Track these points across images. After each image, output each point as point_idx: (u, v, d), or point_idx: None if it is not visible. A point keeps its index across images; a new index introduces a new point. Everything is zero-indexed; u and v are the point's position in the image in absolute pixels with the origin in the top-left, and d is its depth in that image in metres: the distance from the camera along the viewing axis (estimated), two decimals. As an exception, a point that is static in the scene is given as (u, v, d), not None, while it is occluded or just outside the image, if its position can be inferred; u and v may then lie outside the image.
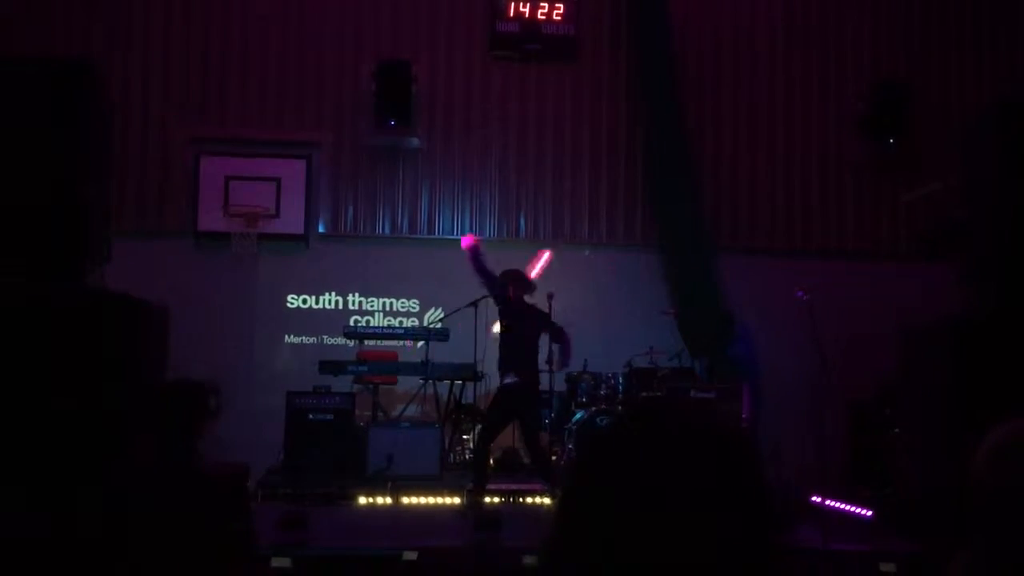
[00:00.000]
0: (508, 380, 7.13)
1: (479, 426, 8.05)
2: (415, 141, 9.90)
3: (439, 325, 9.30)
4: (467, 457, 8.70)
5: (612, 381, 8.65)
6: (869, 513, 7.06)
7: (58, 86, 5.33)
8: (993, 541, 1.75)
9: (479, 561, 5.27)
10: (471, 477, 7.18)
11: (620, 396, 8.58)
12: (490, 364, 8.44)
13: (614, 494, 1.07)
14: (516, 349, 7.19)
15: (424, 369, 8.75)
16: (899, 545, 5.87)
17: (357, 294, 10.00)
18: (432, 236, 9.99)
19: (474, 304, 8.54)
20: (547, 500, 7.42)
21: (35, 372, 4.94)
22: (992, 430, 1.82)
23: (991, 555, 1.75)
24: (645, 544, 1.03)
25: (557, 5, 9.93)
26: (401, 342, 9.45)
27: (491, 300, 8.18)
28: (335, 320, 9.73)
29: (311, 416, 8.25)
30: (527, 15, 9.93)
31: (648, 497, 1.05)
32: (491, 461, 8.26)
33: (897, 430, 7.44)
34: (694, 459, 1.08)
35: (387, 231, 9.97)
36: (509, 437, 8.84)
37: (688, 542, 1.03)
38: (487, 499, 7.47)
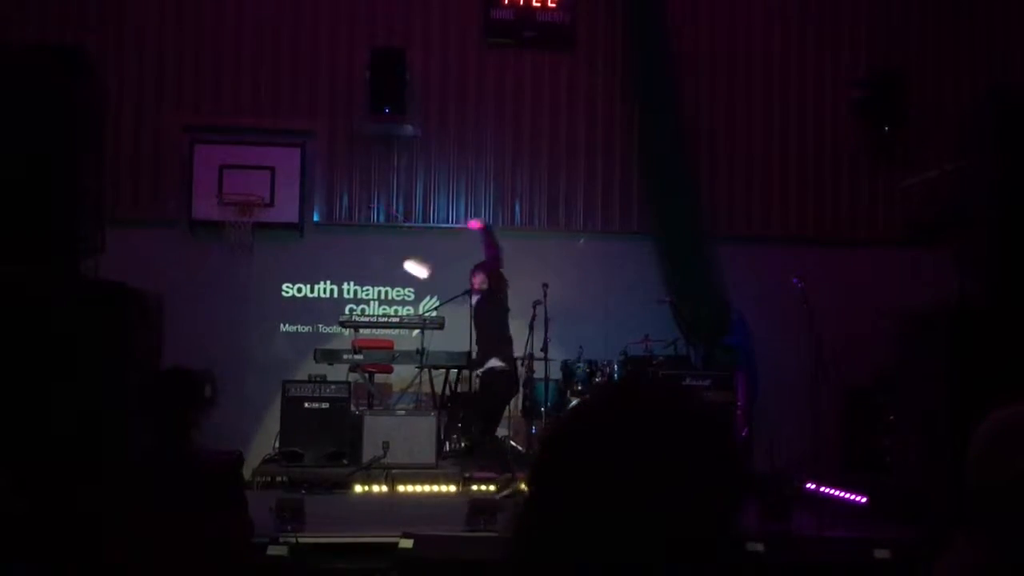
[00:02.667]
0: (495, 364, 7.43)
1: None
2: (410, 129, 9.87)
3: (434, 314, 9.29)
4: (462, 445, 8.70)
5: (607, 369, 8.66)
6: (864, 499, 7.08)
7: (51, 73, 5.31)
8: (990, 528, 1.76)
9: (474, 548, 5.27)
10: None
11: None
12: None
13: (583, 467, 1.08)
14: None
15: (420, 358, 8.75)
16: (893, 531, 5.89)
17: (352, 283, 9.99)
18: (427, 224, 9.97)
19: (469, 292, 8.54)
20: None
21: (29, 361, 4.93)
22: (989, 416, 1.82)
23: (990, 541, 1.75)
24: (615, 517, 1.04)
25: (552, -8, 9.90)
26: (397, 330, 9.44)
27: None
28: (330, 309, 9.73)
29: (307, 404, 8.25)
30: (522, 2, 9.89)
31: (617, 470, 1.06)
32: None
33: (893, 417, 7.46)
34: (661, 432, 1.09)
35: (382, 219, 9.95)
36: (504, 426, 8.86)
37: (657, 515, 1.04)
38: (483, 487, 7.50)
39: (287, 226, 9.71)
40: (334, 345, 9.17)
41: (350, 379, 8.74)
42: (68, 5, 9.54)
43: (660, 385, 1.24)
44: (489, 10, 9.88)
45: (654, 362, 8.64)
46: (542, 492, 1.12)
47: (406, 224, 9.90)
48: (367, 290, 9.99)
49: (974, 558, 1.76)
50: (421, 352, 8.72)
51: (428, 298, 9.85)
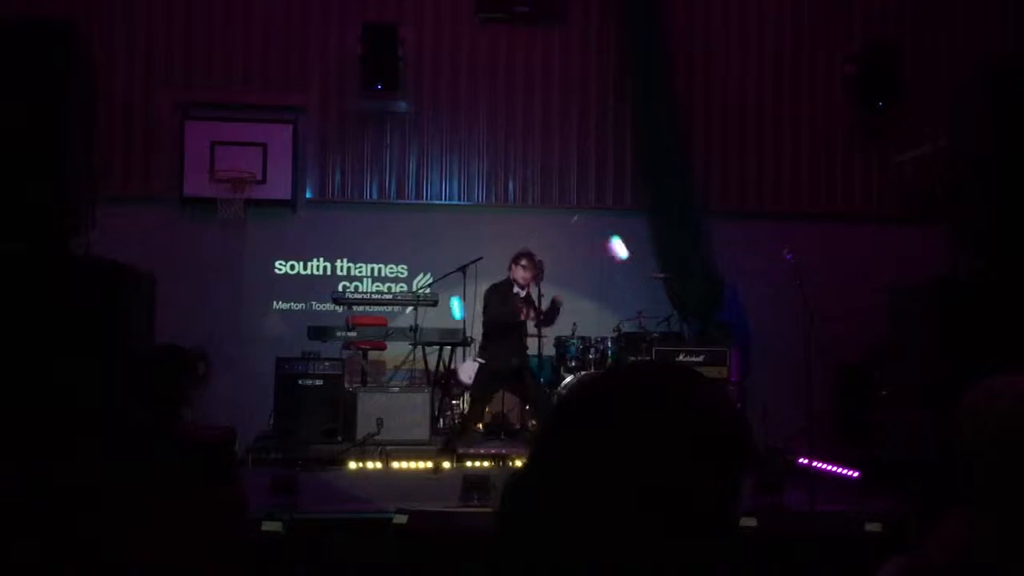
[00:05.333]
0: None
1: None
2: (402, 105, 9.82)
3: (428, 291, 9.29)
4: (456, 422, 8.73)
5: (601, 345, 8.67)
6: (856, 474, 7.13)
7: (40, 48, 5.26)
8: (975, 496, 1.77)
9: (468, 523, 5.30)
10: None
11: (609, 360, 8.61)
12: (479, 330, 8.46)
13: (584, 440, 1.09)
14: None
15: (413, 335, 8.75)
16: (885, 505, 5.93)
17: (345, 260, 9.97)
18: (420, 201, 9.95)
19: (462, 269, 8.53)
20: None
21: (20, 338, 4.91)
22: (972, 387, 1.83)
23: (977, 511, 1.76)
24: (613, 490, 1.04)
25: (545, -34, 9.81)
26: (390, 307, 9.44)
27: (477, 265, 8.29)
28: (324, 286, 9.71)
29: (300, 382, 8.25)
30: (515, -24, 9.81)
31: (618, 443, 1.07)
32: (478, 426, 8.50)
33: (885, 391, 7.50)
34: (668, 409, 1.09)
35: (375, 196, 9.92)
36: (499, 403, 8.88)
37: (656, 491, 1.04)
38: (476, 463, 7.54)
39: (279, 203, 9.67)
40: (327, 322, 9.16)
41: (344, 356, 8.74)
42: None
43: (664, 364, 1.25)
44: (482, -15, 9.80)
45: (648, 338, 8.65)
46: (541, 463, 1.12)
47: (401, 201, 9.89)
48: (360, 267, 9.98)
49: (965, 531, 1.77)
50: (415, 329, 8.72)
51: (421, 275, 9.85)
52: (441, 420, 8.71)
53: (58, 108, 5.31)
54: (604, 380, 1.16)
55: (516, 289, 7.83)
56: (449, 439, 7.73)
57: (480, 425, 8.57)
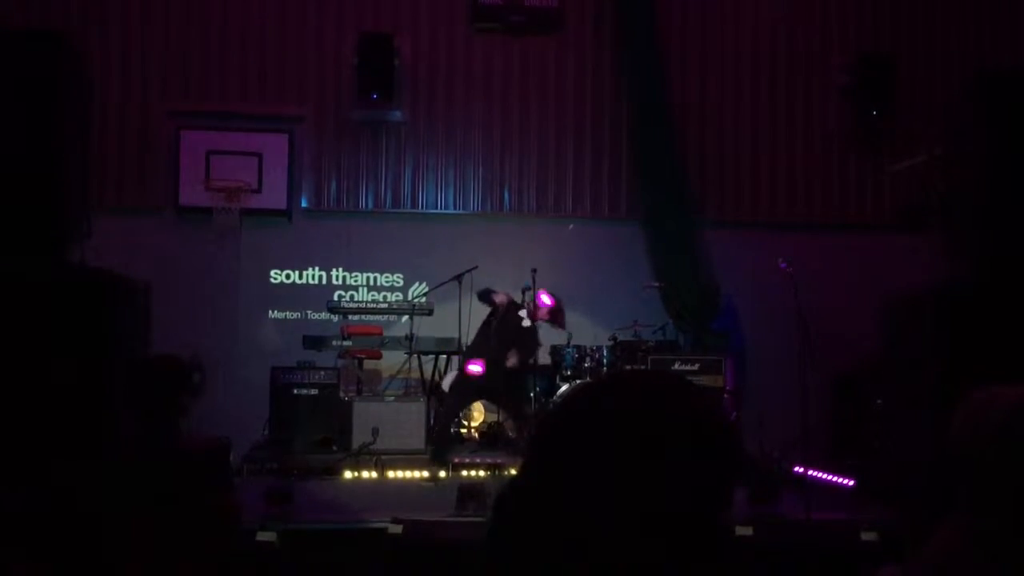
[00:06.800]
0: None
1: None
2: (398, 115, 9.84)
3: (423, 300, 9.29)
4: (453, 432, 8.71)
5: (597, 354, 8.65)
6: (851, 483, 7.12)
7: (35, 58, 5.26)
8: (972, 503, 1.77)
9: (463, 533, 5.28)
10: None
11: (605, 369, 8.60)
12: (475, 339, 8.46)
13: (576, 450, 1.09)
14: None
15: (408, 344, 8.74)
16: (880, 514, 5.92)
17: (341, 269, 9.97)
18: (416, 210, 9.95)
19: (458, 278, 8.53)
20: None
21: (14, 349, 4.89)
22: (967, 396, 1.83)
23: (974, 518, 1.76)
24: (606, 500, 1.04)
25: (540, -24, 9.85)
26: (385, 317, 9.44)
27: (474, 273, 8.29)
28: (319, 295, 9.70)
29: (296, 391, 8.24)
30: (510, -14, 9.84)
31: (609, 453, 1.07)
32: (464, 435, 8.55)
33: (880, 401, 7.49)
34: (656, 418, 1.09)
35: (370, 206, 9.92)
36: (495, 412, 8.87)
37: (648, 499, 1.04)
38: (472, 472, 7.53)
39: (275, 212, 9.68)
40: (323, 331, 9.16)
41: (339, 365, 8.73)
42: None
43: (658, 373, 1.26)
44: (477, -6, 9.83)
45: (643, 347, 8.65)
46: (536, 472, 1.12)
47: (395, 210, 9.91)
48: (355, 276, 9.98)
49: (961, 538, 1.77)
50: (410, 338, 8.71)
51: (417, 284, 9.85)
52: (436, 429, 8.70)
53: (53, 117, 5.30)
54: (598, 390, 1.17)
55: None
56: (435, 452, 7.64)
57: (463, 430, 8.62)
